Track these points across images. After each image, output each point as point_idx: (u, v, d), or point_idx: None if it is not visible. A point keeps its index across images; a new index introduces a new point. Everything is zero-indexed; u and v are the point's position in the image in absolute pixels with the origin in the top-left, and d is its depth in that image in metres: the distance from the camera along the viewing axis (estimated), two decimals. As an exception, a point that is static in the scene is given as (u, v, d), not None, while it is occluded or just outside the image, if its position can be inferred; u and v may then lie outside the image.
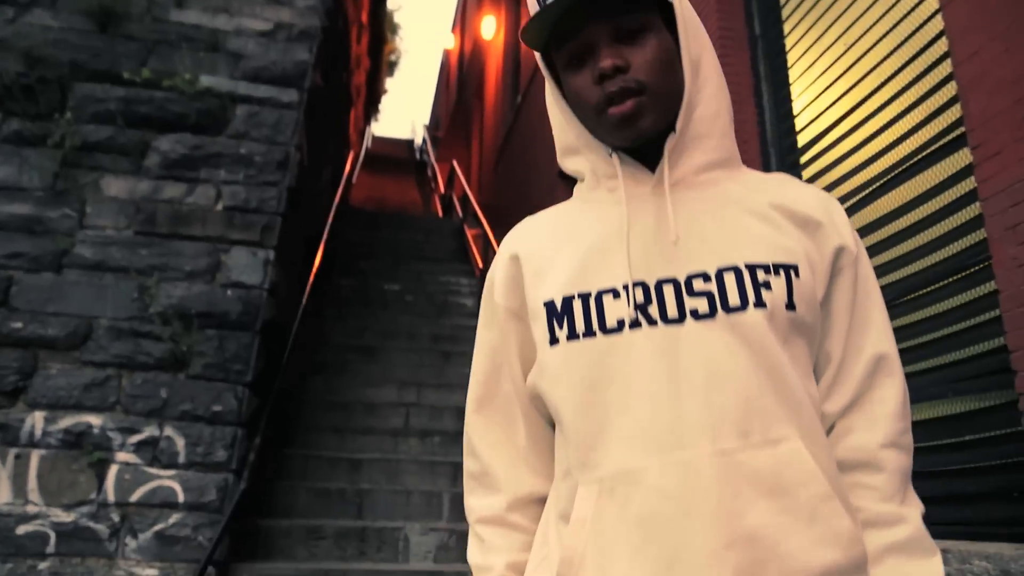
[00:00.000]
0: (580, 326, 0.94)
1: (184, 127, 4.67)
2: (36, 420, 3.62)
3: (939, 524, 2.87)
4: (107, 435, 3.67)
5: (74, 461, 3.58)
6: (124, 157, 4.52)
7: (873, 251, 3.51)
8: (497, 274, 1.09)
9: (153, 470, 3.64)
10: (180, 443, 3.72)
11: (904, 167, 3.32)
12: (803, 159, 4.21)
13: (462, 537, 4.13)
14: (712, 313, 0.92)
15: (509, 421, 1.07)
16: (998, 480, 2.74)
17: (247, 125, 4.79)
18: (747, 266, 0.93)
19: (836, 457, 0.95)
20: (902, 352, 3.30)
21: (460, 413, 5.46)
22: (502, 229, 9.64)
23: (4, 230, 4.10)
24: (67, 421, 3.65)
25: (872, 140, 3.60)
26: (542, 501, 1.06)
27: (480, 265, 7.47)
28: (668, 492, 0.86)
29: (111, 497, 3.54)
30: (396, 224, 9.22)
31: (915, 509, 0.95)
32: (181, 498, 3.59)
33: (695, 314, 0.92)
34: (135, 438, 3.69)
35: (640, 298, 0.93)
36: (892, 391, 0.97)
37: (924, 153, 3.19)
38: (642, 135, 0.98)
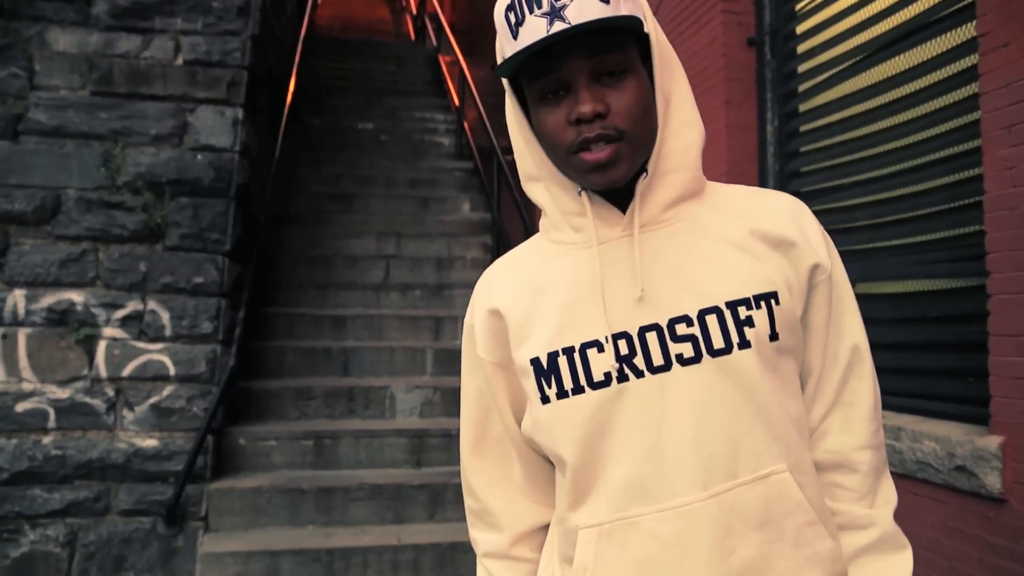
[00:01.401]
0: (568, 383, 0.96)
1: (130, -34, 4.27)
2: (17, 299, 3.61)
3: (897, 395, 3.06)
4: (91, 311, 3.68)
5: (61, 338, 3.62)
6: (68, 5, 4.17)
7: (864, 120, 3.44)
8: (477, 327, 1.08)
9: (141, 344, 3.69)
10: (165, 316, 3.75)
11: (904, 33, 3.17)
12: (799, 7, 4.00)
13: (445, 393, 4.32)
14: (698, 357, 0.93)
15: (504, 460, 1.10)
16: (955, 359, 2.88)
17: (200, -37, 4.38)
18: (728, 304, 0.94)
19: (817, 461, 1.01)
20: (883, 226, 3.31)
21: (439, 264, 5.51)
22: (478, 56, 9.19)
23: (-49, 93, 3.86)
24: (49, 299, 3.65)
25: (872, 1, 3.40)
26: (545, 528, 1.11)
27: (456, 101, 7.20)
28: (664, 537, 0.92)
29: (103, 372, 3.62)
30: (367, 52, 8.74)
31: (886, 508, 1.02)
32: (172, 371, 3.68)
33: (680, 359, 0.94)
34: (119, 313, 3.71)
35: (624, 350, 0.95)
36: (864, 394, 1.02)
37: (928, 21, 3.04)
38: (615, 183, 0.95)
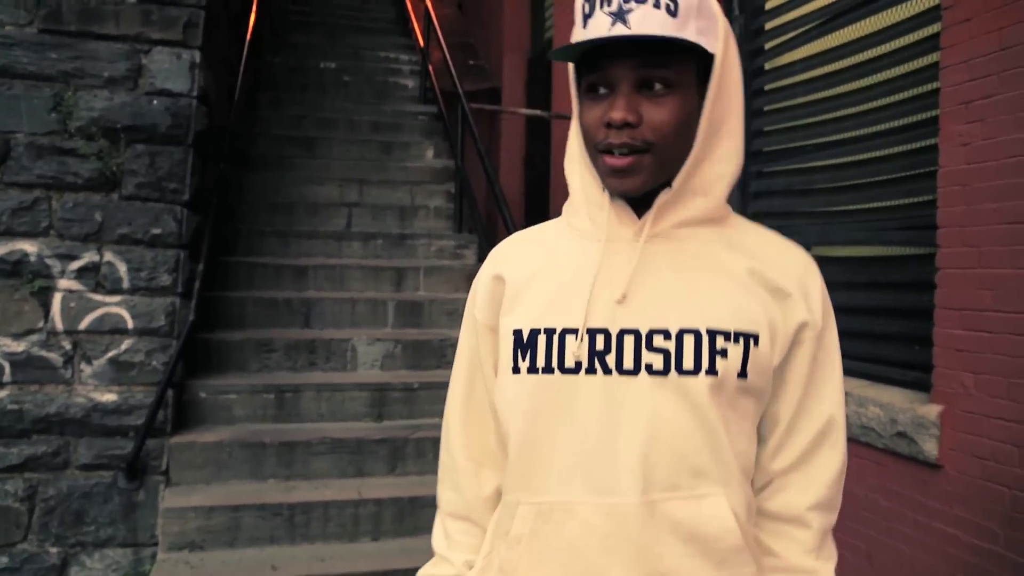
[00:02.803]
0: (541, 361, 1.01)
1: None
2: (-33, 248, 3.52)
3: (846, 358, 3.15)
4: (45, 262, 3.60)
5: (15, 291, 3.54)
6: (12, -66, 3.94)
7: (826, 83, 3.45)
8: (480, 289, 1.14)
9: (98, 297, 3.63)
10: (122, 268, 3.69)
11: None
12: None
13: (407, 346, 4.35)
14: (665, 371, 0.97)
15: (483, 423, 1.15)
16: (904, 326, 2.97)
17: None
18: (708, 331, 0.98)
19: (769, 509, 1.06)
20: (842, 190, 3.36)
21: (402, 212, 5.47)
22: (445, -8, 8.91)
23: None
24: (0, 249, 3.56)
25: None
26: None
27: (421, 42, 7.02)
28: (597, 529, 0.97)
29: (59, 325, 3.56)
30: (329, -15, 8.45)
31: (830, 563, 1.06)
32: (130, 324, 3.64)
33: (649, 369, 0.98)
34: (75, 264, 3.64)
35: (600, 345, 0.99)
36: (832, 462, 1.05)
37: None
38: (629, 191, 1.00)
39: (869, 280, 3.23)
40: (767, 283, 1.02)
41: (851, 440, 2.91)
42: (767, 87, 3.95)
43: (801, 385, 1.04)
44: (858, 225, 3.27)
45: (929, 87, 2.86)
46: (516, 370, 1.03)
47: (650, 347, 0.97)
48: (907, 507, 2.69)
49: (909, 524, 2.67)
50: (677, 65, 0.95)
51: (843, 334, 3.22)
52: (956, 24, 2.59)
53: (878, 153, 3.19)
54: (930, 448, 2.58)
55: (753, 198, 3.94)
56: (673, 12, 0.91)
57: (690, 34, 0.93)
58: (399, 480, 3.63)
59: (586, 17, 0.94)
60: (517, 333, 1.03)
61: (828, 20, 3.48)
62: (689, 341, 0.97)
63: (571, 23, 1.01)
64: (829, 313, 1.06)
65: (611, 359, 0.98)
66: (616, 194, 1.01)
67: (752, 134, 3.94)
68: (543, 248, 1.10)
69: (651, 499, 0.96)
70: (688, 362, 0.96)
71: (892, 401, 2.79)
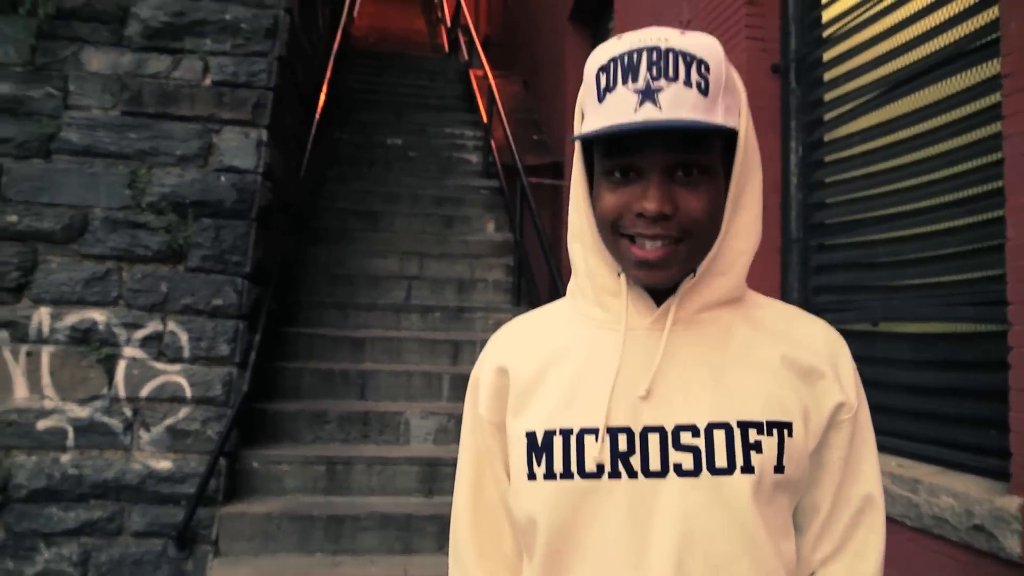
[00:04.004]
0: (558, 466, 0.92)
1: (162, -12, 4.35)
2: (42, 316, 3.69)
3: (916, 441, 2.97)
4: (112, 331, 3.75)
5: (83, 357, 3.69)
6: (103, 26, 4.26)
7: (887, 154, 3.36)
8: (482, 382, 1.04)
9: (160, 365, 3.75)
10: (184, 338, 3.81)
11: (930, 66, 3.09)
12: (826, 34, 3.92)
13: (461, 420, 4.31)
14: (696, 471, 0.89)
15: (496, 529, 1.06)
16: (977, 408, 2.78)
17: (231, -15, 4.45)
18: (739, 424, 0.90)
19: None
20: (905, 264, 3.22)
21: (461, 286, 5.52)
22: (510, 70, 9.19)
23: (-13, 113, 3.97)
24: (72, 317, 3.73)
25: (900, 30, 3.32)
26: None
27: (485, 118, 7.20)
28: None
29: (122, 392, 3.68)
30: (399, 66, 8.81)
31: None
32: (188, 393, 3.73)
33: (678, 469, 0.89)
34: (140, 333, 3.78)
35: (623, 446, 0.91)
36: (874, 547, 0.97)
37: (954, 54, 2.95)
38: (661, 284, 0.92)
39: (938, 358, 3.05)
40: (798, 366, 0.94)
41: (923, 532, 2.72)
42: (827, 159, 3.88)
43: (839, 469, 0.97)
44: (924, 300, 3.12)
45: (992, 157, 2.75)
46: (532, 476, 0.94)
47: (677, 445, 0.89)
48: (987, 609, 2.46)
49: (990, 628, 2.44)
50: (709, 147, 0.88)
51: (911, 415, 2.98)
52: (1018, 91, 2.50)
53: (942, 226, 3.06)
54: (1012, 545, 2.37)
55: (815, 272, 3.83)
56: (704, 90, 0.84)
57: (719, 114, 0.86)
58: (447, 559, 3.54)
59: (605, 90, 0.86)
60: (531, 436, 0.94)
61: (887, 91, 3.41)
62: (720, 436, 0.89)
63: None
64: (860, 388, 0.98)
65: (636, 461, 0.90)
66: (640, 284, 0.93)
67: (812, 207, 3.85)
68: (551, 336, 1.01)
69: None
70: (721, 459, 0.89)
71: (967, 490, 2.59)
